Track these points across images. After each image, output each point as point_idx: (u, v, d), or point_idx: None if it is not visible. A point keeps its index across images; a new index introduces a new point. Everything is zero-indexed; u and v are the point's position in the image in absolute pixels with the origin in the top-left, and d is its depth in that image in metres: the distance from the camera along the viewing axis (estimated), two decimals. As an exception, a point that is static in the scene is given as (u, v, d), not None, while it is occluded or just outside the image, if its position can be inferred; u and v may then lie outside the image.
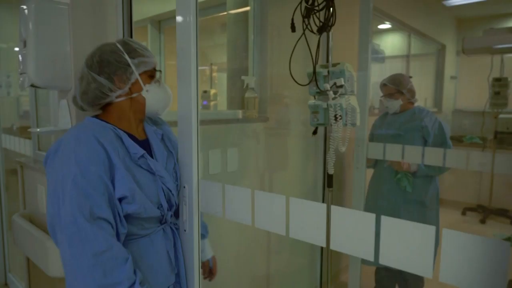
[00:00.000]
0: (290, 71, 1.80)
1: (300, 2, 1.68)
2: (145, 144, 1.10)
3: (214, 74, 3.87)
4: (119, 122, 1.06)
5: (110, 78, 1.03)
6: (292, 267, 2.51)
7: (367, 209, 2.34)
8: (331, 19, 1.60)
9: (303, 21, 1.70)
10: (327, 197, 1.86)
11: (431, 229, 0.68)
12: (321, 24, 1.65)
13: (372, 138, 2.32)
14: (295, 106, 2.31)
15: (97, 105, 1.07)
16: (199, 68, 1.00)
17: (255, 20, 2.02)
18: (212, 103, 3.50)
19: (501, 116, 4.21)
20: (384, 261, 0.69)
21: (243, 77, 1.95)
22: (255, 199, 0.89)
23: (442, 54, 4.58)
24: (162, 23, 3.28)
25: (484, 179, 4.29)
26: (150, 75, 1.10)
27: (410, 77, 4.09)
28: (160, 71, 1.14)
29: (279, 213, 0.85)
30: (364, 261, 2.35)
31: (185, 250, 1.06)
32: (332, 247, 0.77)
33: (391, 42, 4.07)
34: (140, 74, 1.06)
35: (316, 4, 1.64)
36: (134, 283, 0.91)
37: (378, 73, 3.94)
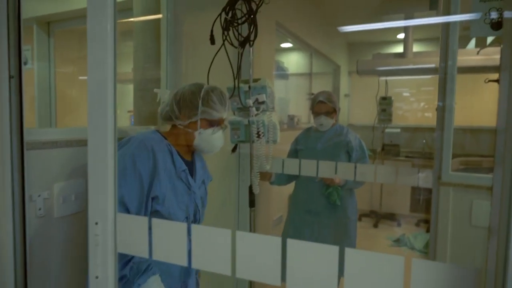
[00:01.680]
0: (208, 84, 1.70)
1: (220, 14, 1.61)
2: (190, 165, 1.35)
3: (114, 85, 3.52)
4: (174, 140, 1.31)
5: (179, 109, 1.28)
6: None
7: (292, 223, 2.32)
8: (253, 33, 1.56)
9: (223, 34, 1.62)
10: (249, 217, 1.79)
11: (335, 249, 0.65)
12: (241, 38, 1.59)
13: (296, 153, 2.31)
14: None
15: (166, 122, 1.34)
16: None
17: (169, 29, 1.87)
18: (111, 116, 3.15)
19: (387, 130, 4.77)
20: None
21: (156, 90, 1.77)
22: (192, 235, 0.76)
23: (338, 74, 5.02)
24: (52, 25, 2.86)
25: (375, 187, 4.78)
26: (211, 123, 1.29)
27: (312, 94, 4.37)
28: (225, 126, 1.35)
29: (223, 249, 0.73)
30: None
31: (98, 302, 0.86)
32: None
33: (295, 61, 4.28)
34: (201, 119, 1.27)
35: (236, 17, 1.58)
36: (130, 260, 1.12)
37: (283, 89, 4.10)
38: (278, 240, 0.67)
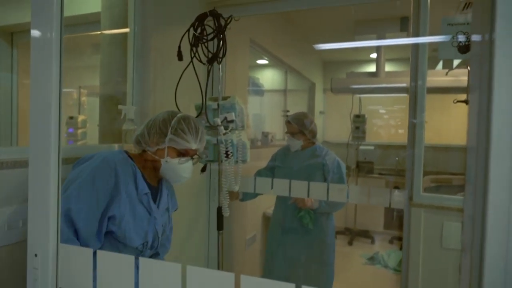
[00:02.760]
0: (176, 102, 1.63)
1: (188, 30, 1.56)
2: (155, 191, 1.31)
3: (84, 98, 3.40)
4: (141, 164, 1.27)
5: (149, 135, 1.25)
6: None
7: (271, 242, 2.27)
8: (222, 50, 1.52)
9: (191, 50, 1.58)
10: (218, 240, 1.71)
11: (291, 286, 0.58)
12: (210, 54, 1.55)
13: (273, 169, 2.25)
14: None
15: (138, 147, 1.29)
16: (65, 90, 0.78)
17: (136, 43, 1.80)
18: (79, 130, 3.04)
19: (361, 147, 4.82)
20: None
21: (120, 107, 1.69)
22: (140, 268, 0.68)
23: (313, 91, 5.06)
24: (16, 36, 2.73)
25: (350, 204, 4.77)
26: (179, 153, 1.25)
27: (287, 111, 4.36)
28: (198, 158, 1.32)
29: (173, 285, 0.66)
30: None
31: None
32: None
33: (271, 77, 4.28)
34: (169, 147, 1.23)
35: (205, 33, 1.54)
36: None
37: (258, 106, 4.08)
38: (231, 276, 0.61)
